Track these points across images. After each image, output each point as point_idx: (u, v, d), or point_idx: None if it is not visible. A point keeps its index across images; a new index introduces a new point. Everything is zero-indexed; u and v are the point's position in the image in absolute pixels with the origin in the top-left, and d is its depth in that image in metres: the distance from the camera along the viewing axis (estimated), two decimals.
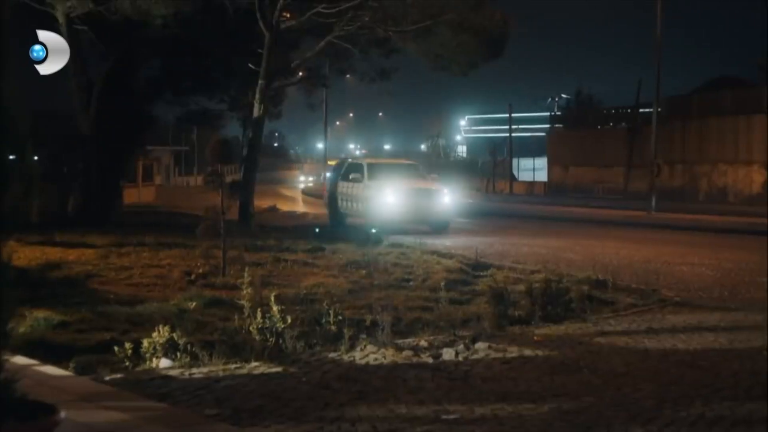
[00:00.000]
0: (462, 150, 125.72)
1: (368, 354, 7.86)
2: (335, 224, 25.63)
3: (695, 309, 11.26)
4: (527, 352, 8.23)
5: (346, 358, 7.75)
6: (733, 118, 46.67)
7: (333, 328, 8.38)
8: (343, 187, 26.65)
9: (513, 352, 8.19)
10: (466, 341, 8.48)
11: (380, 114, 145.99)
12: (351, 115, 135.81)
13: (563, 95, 72.87)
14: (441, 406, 6.31)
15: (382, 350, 7.94)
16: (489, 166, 74.03)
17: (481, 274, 14.01)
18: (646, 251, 19.21)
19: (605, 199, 48.72)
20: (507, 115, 74.51)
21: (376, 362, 7.65)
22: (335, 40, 24.27)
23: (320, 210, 40.51)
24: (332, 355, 7.82)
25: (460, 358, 7.88)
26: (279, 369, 7.27)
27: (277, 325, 7.97)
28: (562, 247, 20.55)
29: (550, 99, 76.96)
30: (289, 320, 8.02)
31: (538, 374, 7.37)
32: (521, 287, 11.36)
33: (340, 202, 26.67)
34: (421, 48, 24.37)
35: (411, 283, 12.80)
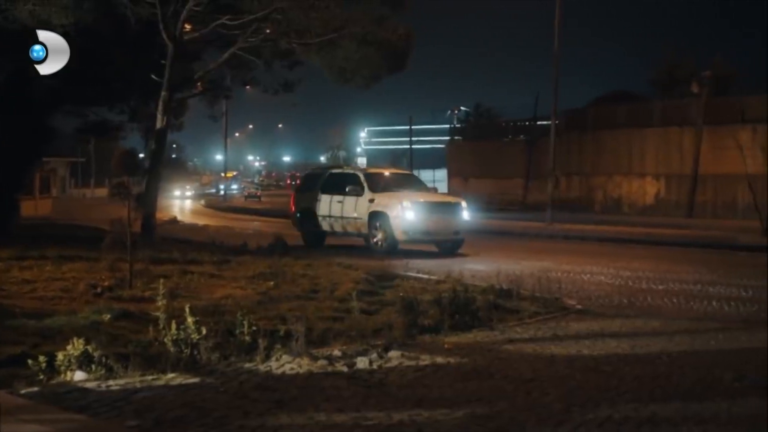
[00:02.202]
0: (362, 162, 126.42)
1: (284, 364, 7.96)
2: (313, 243, 23.52)
3: (597, 317, 11.63)
4: (439, 359, 8.42)
5: (262, 368, 7.83)
6: (627, 131, 47.97)
7: (247, 338, 8.43)
8: (326, 201, 23.46)
9: (425, 359, 8.37)
10: (379, 350, 8.64)
11: (280, 125, 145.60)
12: (250, 126, 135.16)
13: (462, 108, 73.85)
14: (359, 412, 6.45)
15: (298, 360, 8.04)
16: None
17: (387, 284, 14.16)
18: (547, 261, 19.66)
19: (505, 210, 49.50)
20: (407, 127, 75.19)
21: (292, 371, 7.75)
22: (239, 52, 24.24)
23: (222, 222, 40.49)
24: (248, 365, 7.89)
25: (375, 367, 8.03)
26: (196, 380, 7.32)
27: (192, 336, 8.00)
28: (464, 257, 21.03)
29: (449, 111, 77.92)
30: (204, 331, 8.07)
31: (451, 381, 7.57)
32: (428, 297, 11.59)
33: (321, 218, 23.52)
34: (324, 60, 24.51)
35: (319, 293, 12.89)
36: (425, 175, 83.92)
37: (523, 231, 32.24)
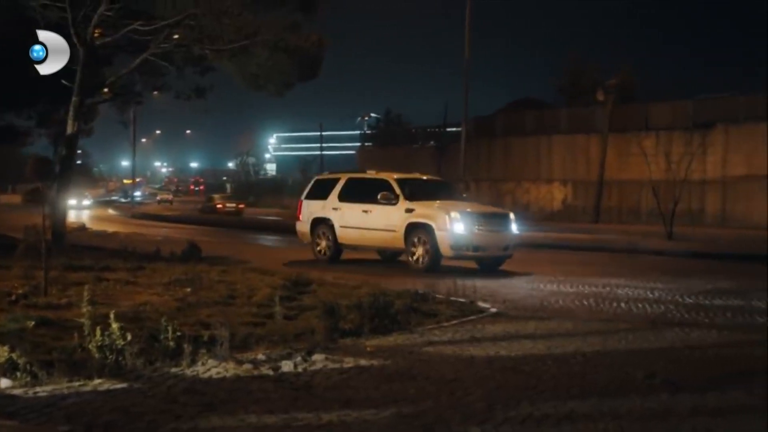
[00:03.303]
0: (271, 168, 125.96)
1: (210, 368, 8.03)
2: (330, 258, 21.22)
3: (512, 319, 11.91)
4: (363, 362, 8.59)
5: (188, 372, 7.89)
6: (535, 138, 48.94)
7: (172, 344, 8.47)
8: (347, 210, 20.98)
9: (349, 362, 8.53)
10: (303, 353, 8.76)
11: (188, 131, 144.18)
12: (158, 132, 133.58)
13: (373, 114, 74.23)
14: (289, 414, 6.57)
15: (224, 364, 8.12)
16: (300, 184, 74.54)
17: (305, 289, 14.27)
18: (458, 265, 19.95)
19: None
20: (317, 133, 75.30)
21: (219, 375, 7.82)
22: (151, 57, 24.06)
23: (131, 229, 40.03)
24: (174, 370, 7.93)
25: (300, 370, 8.16)
26: (124, 385, 7.34)
27: (117, 342, 8.01)
28: (380, 261, 21.28)
29: (359, 118, 78.26)
30: (129, 337, 8.09)
31: (376, 382, 7.74)
32: (346, 302, 11.75)
33: (341, 230, 20.97)
34: (237, 67, 24.47)
35: (237, 299, 12.94)
36: None
37: None
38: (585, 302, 14.09)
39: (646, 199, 40.03)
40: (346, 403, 6.96)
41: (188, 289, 13.80)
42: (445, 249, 18.69)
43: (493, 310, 12.68)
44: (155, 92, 32.92)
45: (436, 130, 59.41)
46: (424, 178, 22.89)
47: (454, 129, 54.79)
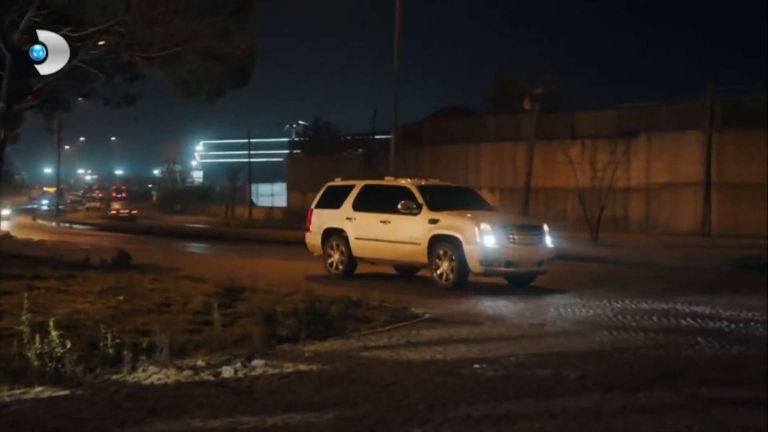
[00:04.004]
0: (198, 175, 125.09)
1: (151, 374, 8.09)
2: (344, 272, 19.35)
3: (446, 324, 12.10)
4: (302, 367, 8.71)
5: (129, 379, 7.94)
6: (462, 146, 49.41)
7: (111, 351, 8.50)
8: (363, 220, 19.12)
9: (289, 367, 8.65)
10: (242, 359, 8.86)
11: (113, 138, 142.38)
12: (82, 139, 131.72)
13: (301, 122, 74.27)
14: (233, 418, 6.68)
15: (164, 370, 8.19)
16: (227, 192, 74.27)
17: (239, 297, 14.31)
18: (388, 273, 20.11)
19: None
20: (244, 140, 75.02)
21: (161, 382, 7.89)
22: (80, 64, 23.81)
23: (57, 237, 39.54)
24: (115, 376, 7.98)
25: (240, 375, 8.26)
26: (66, 392, 7.37)
27: (56, 350, 8.03)
28: (312, 269, 21.29)
29: (287, 125, 78.16)
30: (69, 345, 8.10)
31: (317, 386, 7.87)
32: (281, 308, 11.86)
33: (356, 242, 19.12)
34: (168, 74, 24.30)
35: (171, 307, 12.95)
36: (263, 188, 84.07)
37: None
38: (516, 307, 14.37)
39: (572, 206, 40.69)
40: (288, 406, 7.08)
41: (121, 297, 13.76)
42: (473, 264, 16.86)
43: (427, 315, 12.87)
44: (80, 99, 32.51)
45: (365, 137, 59.64)
46: (448, 185, 21.56)
47: (382, 136, 55.06)
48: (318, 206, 20.68)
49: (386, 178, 20.34)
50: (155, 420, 6.58)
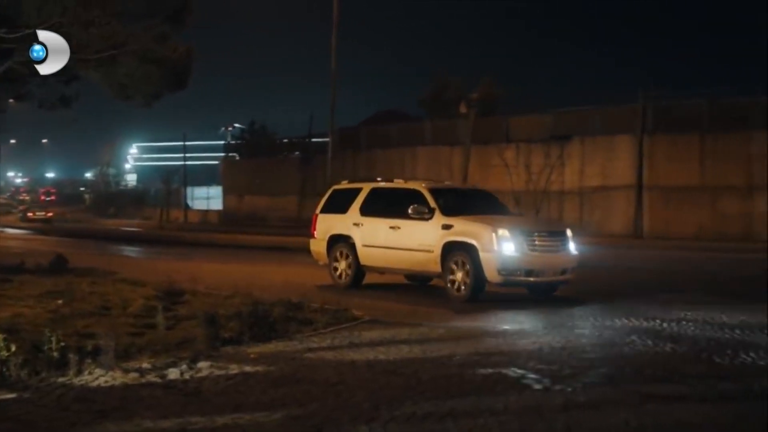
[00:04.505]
0: (132, 178, 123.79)
1: (98, 377, 8.13)
2: (352, 281, 17.91)
3: (387, 325, 12.26)
4: (248, 368, 8.82)
5: (76, 381, 7.98)
6: (399, 150, 49.69)
7: (56, 354, 8.51)
8: (371, 226, 17.59)
9: (234, 369, 8.75)
10: (188, 362, 8.93)
11: (44, 141, 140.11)
12: (13, 141, 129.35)
13: (237, 125, 73.91)
14: (183, 418, 6.77)
15: (111, 373, 8.24)
16: (162, 195, 73.69)
17: (179, 300, 14.33)
18: (328, 276, 20.19)
19: (280, 227, 50.07)
20: (178, 143, 74.49)
21: (108, 384, 7.94)
22: (15, 65, 23.55)
23: None
24: (62, 379, 8.02)
25: (187, 377, 8.34)
26: (13, 395, 7.40)
27: (1, 353, 8.03)
28: (251, 272, 21.30)
29: (223, 128, 77.79)
30: (14, 348, 8.11)
31: (263, 387, 7.99)
32: (222, 311, 11.93)
33: (364, 249, 17.63)
34: (104, 77, 24.11)
35: (111, 310, 12.93)
36: (199, 191, 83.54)
37: (302, 246, 32.69)
38: (454, 308, 14.56)
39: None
40: (236, 407, 7.19)
41: (60, 301, 13.70)
42: (491, 274, 15.38)
43: (368, 317, 13.01)
44: (11, 101, 32.05)
45: (302, 141, 59.64)
46: (464, 187, 20.08)
47: (319, 140, 55.16)
48: (323, 211, 19.17)
49: (396, 180, 18.91)
50: (105, 421, 6.64)
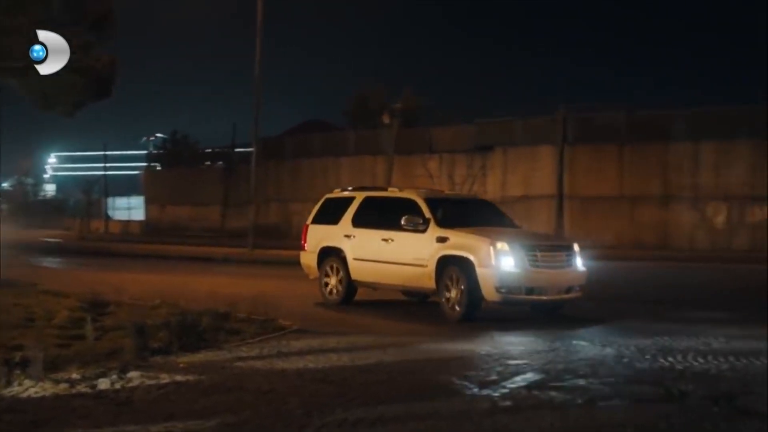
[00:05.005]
0: (51, 188, 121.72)
1: (27, 388, 8.11)
2: (343, 297, 16.65)
3: (314, 335, 12.36)
4: (178, 377, 8.87)
5: (6, 393, 7.95)
6: (323, 160, 49.82)
7: None
8: (363, 237, 16.38)
9: (165, 378, 8.79)
10: (117, 372, 8.94)
11: None
12: None
13: (159, 134, 73.22)
14: (116, 427, 6.82)
15: (40, 384, 8.22)
16: (82, 205, 72.73)
17: (104, 311, 14.25)
18: (254, 286, 20.19)
19: (203, 237, 49.84)
20: (98, 152, 73.62)
21: (38, 395, 7.93)
22: None
23: None
24: None
25: (117, 387, 8.36)
26: None
27: None
28: (175, 282, 21.24)
29: (144, 138, 76.89)
30: None
31: (195, 396, 8.06)
32: (151, 321, 11.92)
33: (355, 263, 16.38)
34: (26, 86, 23.85)
35: (36, 322, 12.83)
36: (120, 202, 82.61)
37: (226, 257, 32.75)
38: (381, 316, 14.73)
39: None
40: (169, 415, 7.25)
41: None
42: (488, 291, 14.07)
43: (295, 326, 13.10)
44: None
45: (225, 151, 59.40)
46: (463, 197, 18.43)
47: (243, 149, 55.04)
48: (314, 221, 17.87)
49: (390, 188, 17.85)
50: (38, 431, 6.65)
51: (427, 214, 15.21)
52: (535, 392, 8.40)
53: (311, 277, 17.70)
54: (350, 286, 16.59)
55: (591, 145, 40.23)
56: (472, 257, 14.20)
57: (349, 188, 17.98)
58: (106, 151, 72.97)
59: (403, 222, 15.22)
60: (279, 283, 21.43)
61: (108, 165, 74.11)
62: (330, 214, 17.41)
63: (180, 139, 67.42)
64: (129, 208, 77.94)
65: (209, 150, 63.60)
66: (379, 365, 9.88)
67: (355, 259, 16.37)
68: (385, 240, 15.77)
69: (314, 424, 7.06)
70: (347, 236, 16.61)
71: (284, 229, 50.11)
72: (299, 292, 18.99)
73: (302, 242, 17.94)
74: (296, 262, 25.32)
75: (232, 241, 42.37)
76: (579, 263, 14.93)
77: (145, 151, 76.31)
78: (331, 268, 16.88)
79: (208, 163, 62.11)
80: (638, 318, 14.70)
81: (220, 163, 59.44)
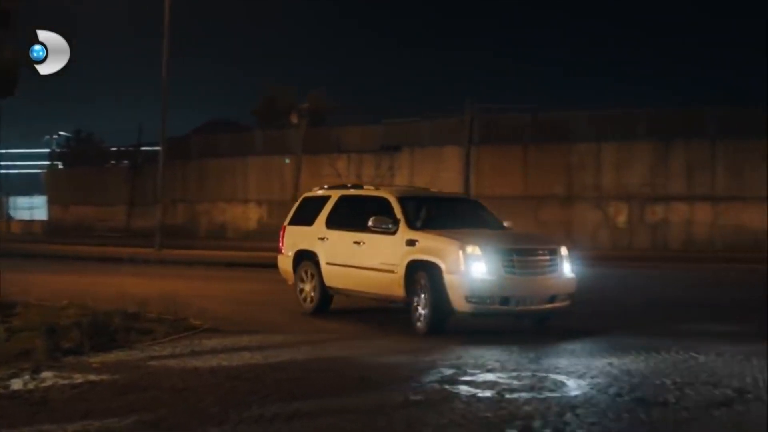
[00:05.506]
0: None
1: None
2: (317, 305, 15.23)
3: (225, 334, 12.44)
4: (92, 377, 8.91)
5: None
6: (230, 160, 49.60)
7: None
8: (335, 240, 14.92)
9: (79, 378, 8.82)
10: (30, 372, 8.94)
11: None
12: None
13: (62, 132, 71.81)
14: (33, 427, 6.86)
15: None
16: None
17: (11, 312, 14.09)
18: (163, 285, 20.04)
19: (108, 237, 49.17)
20: None
21: None
22: None
23: None
24: None
25: (31, 387, 8.37)
26: None
27: None
28: (82, 283, 20.98)
29: (47, 136, 75.28)
30: None
31: (110, 395, 8.12)
32: (60, 321, 11.89)
33: (327, 268, 14.91)
34: None
35: None
36: (21, 201, 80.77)
37: (132, 257, 32.40)
38: (289, 315, 14.88)
39: None
40: (86, 414, 7.31)
41: None
42: (457, 301, 12.38)
43: (206, 326, 13.16)
44: None
45: (130, 150, 58.65)
46: (443, 194, 17.47)
47: (148, 149, 54.49)
48: (291, 222, 16.43)
49: (366, 186, 16.10)
50: None
51: (399, 214, 13.69)
52: (447, 386, 8.65)
53: (289, 282, 16.30)
54: (324, 293, 15.19)
55: (497, 146, 40.91)
56: (439, 262, 12.59)
57: (325, 186, 16.69)
58: (2, 149, 71.24)
59: (370, 223, 13.74)
60: (188, 282, 21.36)
61: (6, 163, 72.45)
62: (306, 214, 16.03)
63: (84, 138, 66.27)
64: (31, 208, 76.29)
65: (114, 149, 62.69)
66: (292, 363, 10.06)
67: (327, 263, 14.98)
68: (357, 243, 14.29)
69: (231, 420, 7.20)
70: (321, 238, 15.24)
71: (191, 229, 49.80)
72: (209, 291, 19.06)
73: (279, 246, 16.54)
74: (203, 263, 25.42)
75: (138, 241, 41.87)
76: (566, 269, 13.15)
77: (47, 150, 74.77)
78: (306, 273, 15.54)
79: (113, 162, 61.24)
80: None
81: (126, 162, 58.67)
